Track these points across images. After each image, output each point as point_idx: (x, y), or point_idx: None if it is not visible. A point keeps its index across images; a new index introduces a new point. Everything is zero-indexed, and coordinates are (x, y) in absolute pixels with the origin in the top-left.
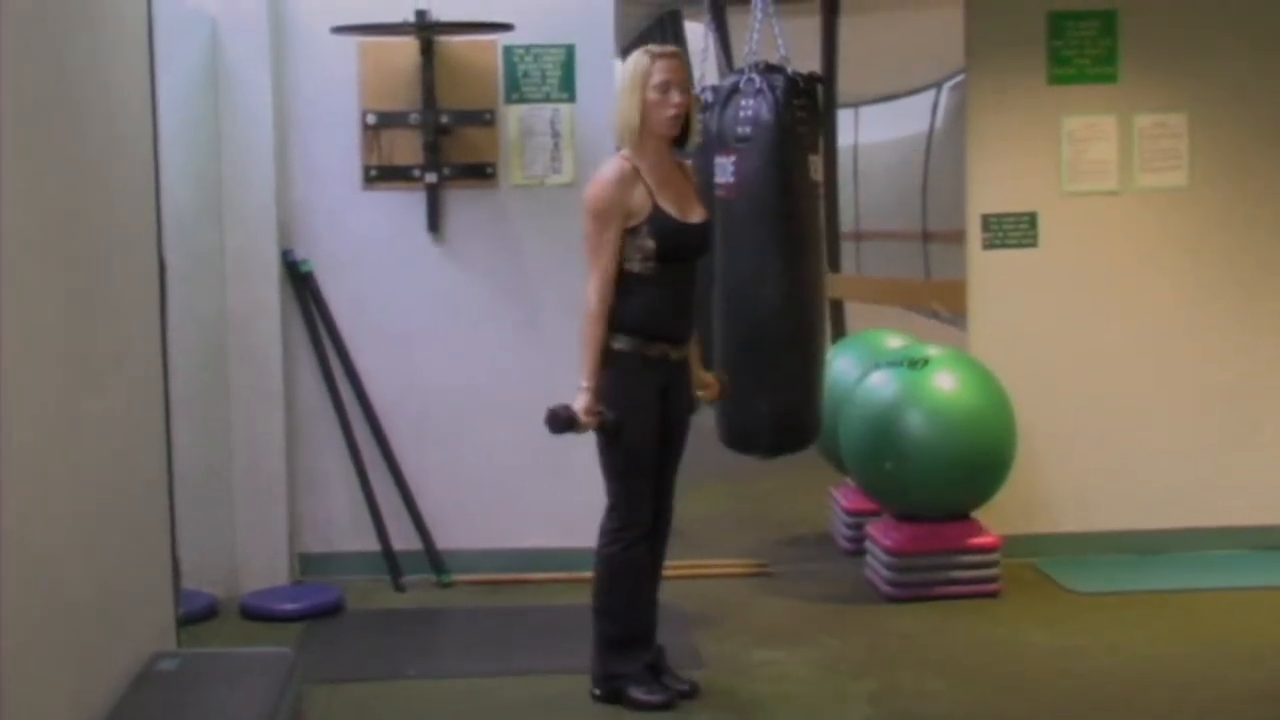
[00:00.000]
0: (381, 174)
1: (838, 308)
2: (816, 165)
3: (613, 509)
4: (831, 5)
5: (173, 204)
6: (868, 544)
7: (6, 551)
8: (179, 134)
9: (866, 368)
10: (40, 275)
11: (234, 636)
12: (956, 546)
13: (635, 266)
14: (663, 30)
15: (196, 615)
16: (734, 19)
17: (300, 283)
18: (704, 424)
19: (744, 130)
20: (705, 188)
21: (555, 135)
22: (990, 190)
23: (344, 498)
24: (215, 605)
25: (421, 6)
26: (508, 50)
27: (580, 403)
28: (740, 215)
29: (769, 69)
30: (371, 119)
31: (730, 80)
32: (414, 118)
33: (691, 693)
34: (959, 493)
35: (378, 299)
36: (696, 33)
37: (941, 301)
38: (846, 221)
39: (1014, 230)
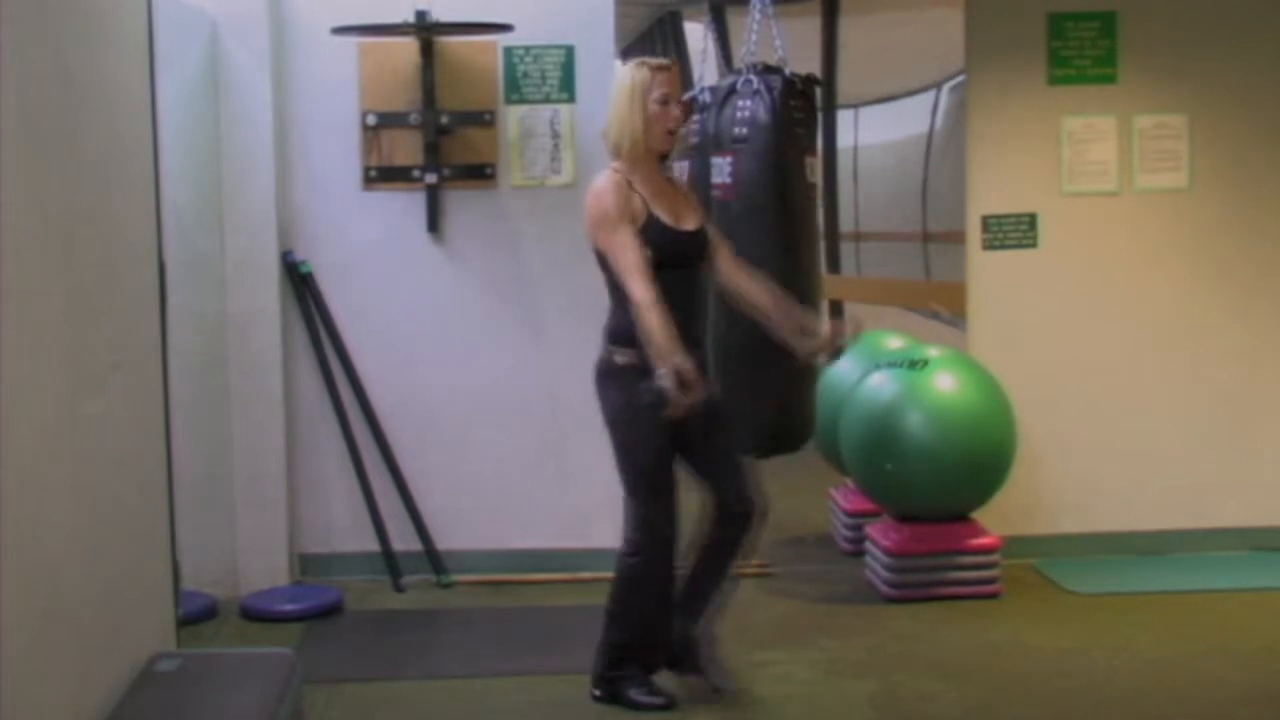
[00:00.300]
0: (382, 175)
1: (838, 308)
2: (813, 166)
3: (631, 521)
4: (831, 6)
5: (172, 205)
6: (868, 545)
7: (7, 552)
8: (179, 134)
9: (866, 368)
10: (40, 276)
11: (234, 637)
12: (956, 547)
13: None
14: (662, 31)
15: (197, 616)
16: (733, 19)
17: (300, 283)
18: None
19: (741, 131)
20: (702, 189)
21: (555, 136)
22: (990, 191)
23: (343, 498)
24: (215, 606)
25: (422, 7)
26: (508, 51)
27: (668, 380)
28: (736, 216)
29: (766, 70)
30: (371, 120)
31: (728, 81)
32: (414, 118)
33: (722, 690)
34: (959, 493)
35: (377, 299)
36: (696, 33)
37: (941, 302)
38: (846, 222)
39: (1014, 231)
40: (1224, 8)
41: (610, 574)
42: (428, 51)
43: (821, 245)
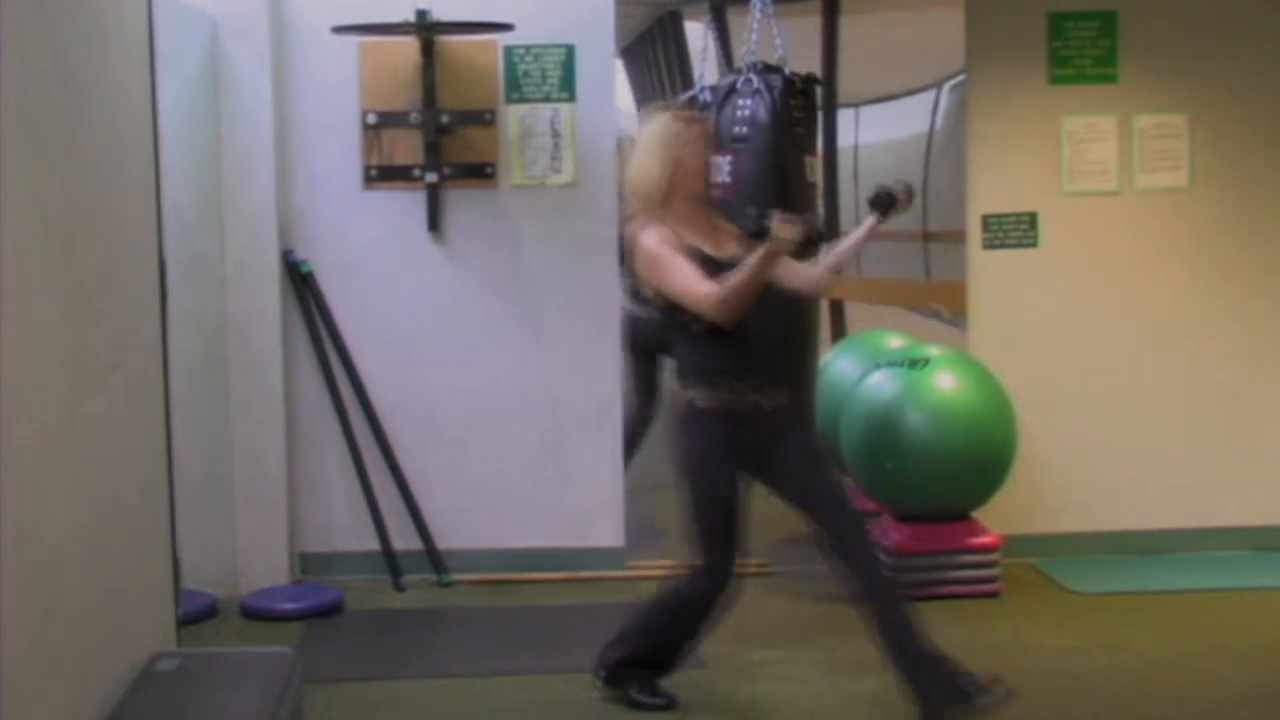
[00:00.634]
0: (382, 174)
1: (838, 308)
2: (813, 166)
3: (696, 557)
4: (832, 5)
5: (173, 204)
6: None
7: (7, 552)
8: (179, 134)
9: (866, 368)
10: (40, 276)
11: (234, 636)
12: (957, 546)
13: (690, 317)
14: (663, 30)
15: (197, 615)
16: (733, 18)
17: (301, 283)
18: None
19: (741, 130)
20: None
21: (555, 135)
22: (990, 190)
23: (344, 497)
24: (216, 605)
25: (422, 6)
26: (508, 50)
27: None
28: (736, 215)
29: (767, 69)
30: (372, 119)
31: (728, 80)
32: (414, 117)
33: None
34: (959, 493)
35: (378, 299)
36: (696, 32)
37: (941, 302)
38: (847, 221)
39: (1014, 230)
40: (1224, 7)
41: (610, 572)
42: (428, 51)
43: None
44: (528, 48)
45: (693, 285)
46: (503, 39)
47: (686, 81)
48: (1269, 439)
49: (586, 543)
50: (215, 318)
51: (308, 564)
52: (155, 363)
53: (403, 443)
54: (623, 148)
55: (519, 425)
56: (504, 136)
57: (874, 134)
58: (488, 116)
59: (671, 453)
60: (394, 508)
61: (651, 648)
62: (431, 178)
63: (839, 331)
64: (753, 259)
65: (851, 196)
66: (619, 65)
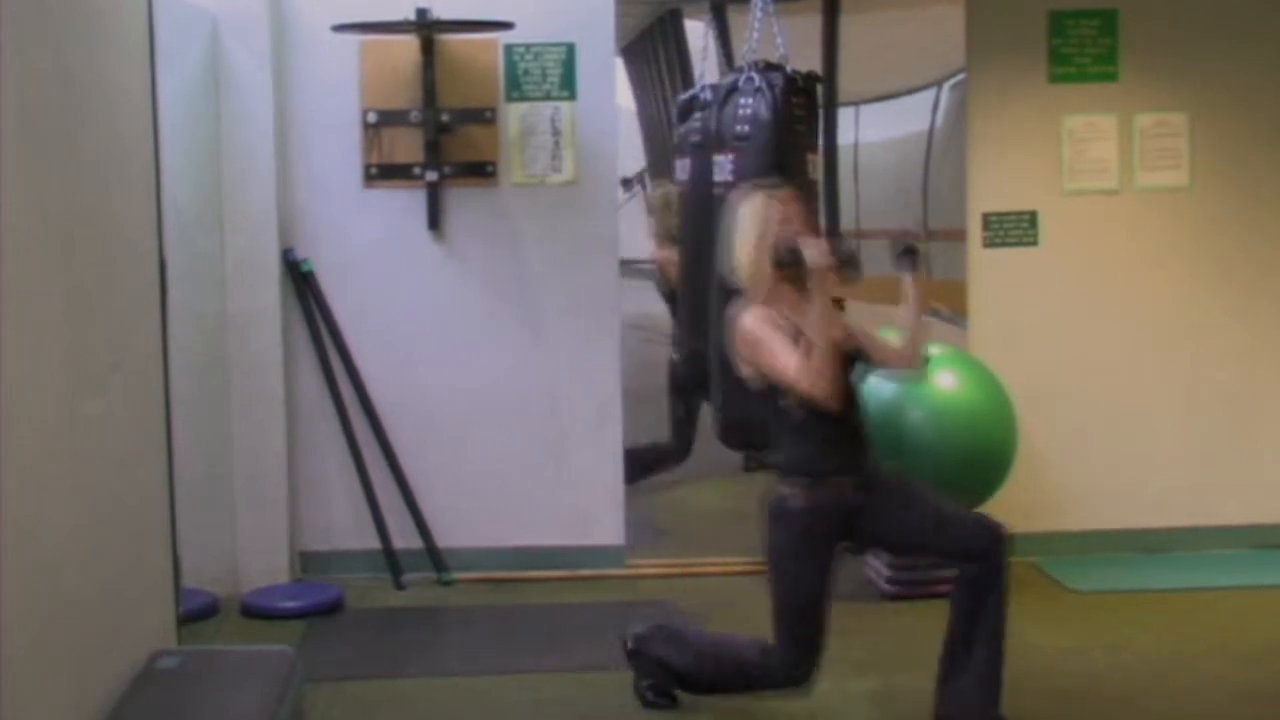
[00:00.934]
0: (382, 172)
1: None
2: (814, 163)
3: (777, 642)
4: (832, 4)
5: (173, 204)
6: None
7: (8, 551)
8: (179, 133)
9: (867, 366)
10: (40, 276)
11: (235, 635)
12: None
13: (791, 402)
14: (663, 29)
15: (197, 613)
16: (734, 17)
17: (301, 282)
18: (705, 422)
19: (743, 129)
20: (704, 186)
21: (556, 134)
22: (991, 189)
23: (344, 496)
24: (216, 603)
25: (422, 5)
26: (508, 48)
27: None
28: None
29: (768, 67)
30: (372, 117)
31: (730, 79)
32: (415, 116)
33: None
34: (959, 492)
35: (378, 298)
36: (696, 31)
37: (942, 300)
38: (847, 220)
39: (1014, 229)
40: (1225, 6)
41: (610, 571)
42: (428, 49)
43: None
44: (528, 46)
45: (788, 360)
46: (503, 37)
47: (687, 80)
48: (1269, 438)
49: (587, 541)
50: (215, 317)
51: (308, 563)
52: (155, 363)
53: (403, 441)
54: (665, 199)
55: (519, 424)
56: (504, 135)
57: (874, 132)
58: (488, 115)
59: (762, 543)
60: (394, 506)
61: (692, 671)
62: (432, 176)
63: None
64: (814, 310)
65: (851, 195)
66: (619, 64)
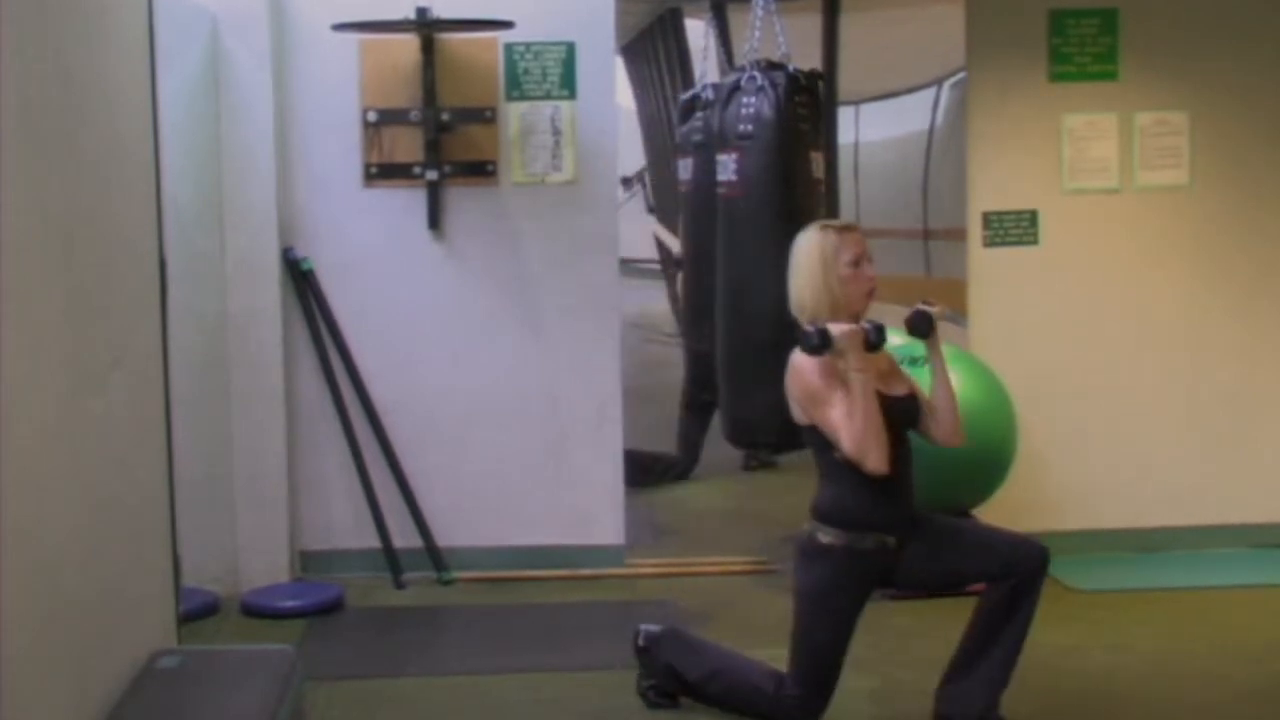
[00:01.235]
0: (382, 172)
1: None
2: (818, 162)
3: (792, 682)
4: (832, 3)
5: (173, 203)
6: None
7: (8, 550)
8: (179, 132)
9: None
10: (40, 276)
11: (235, 634)
12: None
13: (841, 455)
14: (663, 28)
15: (197, 613)
16: (734, 16)
17: (301, 281)
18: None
19: (746, 128)
20: (707, 186)
21: (556, 133)
22: (991, 188)
23: (344, 495)
24: (216, 603)
25: (422, 4)
26: (508, 48)
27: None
28: (742, 212)
29: (770, 66)
30: (372, 116)
31: (732, 78)
32: (415, 115)
33: None
34: (960, 491)
35: (378, 297)
36: (697, 30)
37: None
38: (847, 219)
39: (1014, 228)
40: (1225, 5)
41: (610, 570)
42: (428, 48)
43: None
44: (528, 45)
45: (842, 424)
46: (503, 36)
47: (687, 79)
48: (1269, 438)
49: (587, 540)
50: (215, 317)
51: (308, 562)
52: (155, 362)
53: (403, 441)
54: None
55: (519, 424)
56: (504, 134)
57: (874, 131)
58: (488, 114)
59: (792, 579)
60: (394, 505)
61: (700, 684)
62: (432, 175)
63: None
64: (855, 384)
65: (852, 194)
66: (619, 63)
